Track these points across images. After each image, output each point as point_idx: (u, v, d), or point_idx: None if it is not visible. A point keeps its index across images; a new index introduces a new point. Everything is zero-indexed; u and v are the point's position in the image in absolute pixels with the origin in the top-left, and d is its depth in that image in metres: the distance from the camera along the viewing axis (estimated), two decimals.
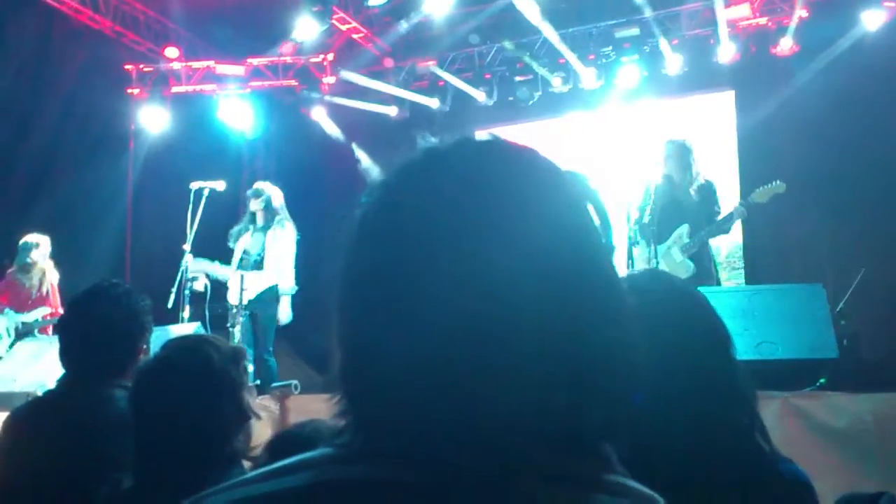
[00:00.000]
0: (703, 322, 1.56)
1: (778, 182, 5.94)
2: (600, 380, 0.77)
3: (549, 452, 0.75)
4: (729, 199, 6.26)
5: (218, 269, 6.60)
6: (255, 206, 6.79)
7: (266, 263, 6.62)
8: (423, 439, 0.74)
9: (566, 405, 0.75)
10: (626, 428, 0.80)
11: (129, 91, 9.91)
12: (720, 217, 5.97)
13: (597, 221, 0.81)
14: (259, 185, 6.95)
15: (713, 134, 8.72)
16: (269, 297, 6.59)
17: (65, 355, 2.64)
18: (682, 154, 6.12)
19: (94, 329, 2.60)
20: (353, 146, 9.77)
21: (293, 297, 6.74)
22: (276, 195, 6.84)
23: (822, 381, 4.07)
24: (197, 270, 6.46)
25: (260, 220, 6.77)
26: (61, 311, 7.09)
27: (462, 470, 0.73)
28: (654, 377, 1.40)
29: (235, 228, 6.91)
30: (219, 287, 6.69)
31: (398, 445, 0.75)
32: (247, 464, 2.08)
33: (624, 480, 0.79)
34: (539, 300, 0.74)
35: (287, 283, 6.69)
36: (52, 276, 7.26)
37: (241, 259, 6.71)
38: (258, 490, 0.78)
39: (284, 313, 6.71)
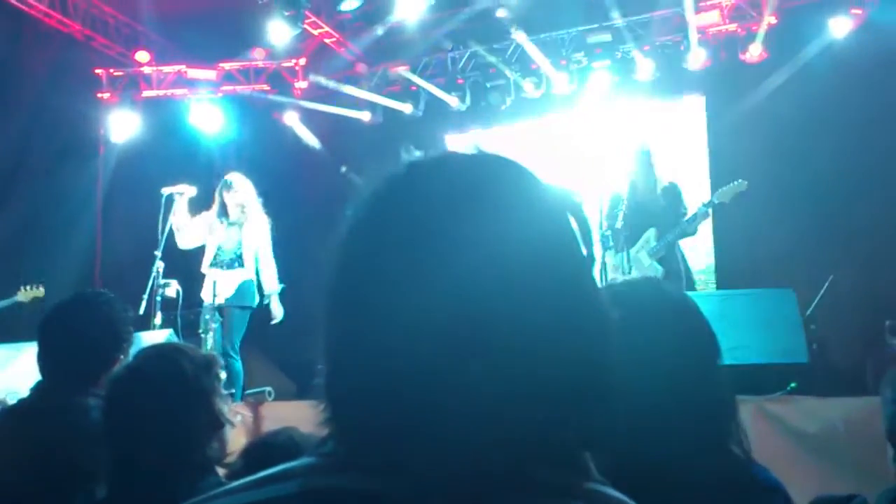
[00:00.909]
0: (698, 330, 1.57)
1: (740, 181, 6.01)
2: (578, 392, 0.78)
3: (526, 463, 0.75)
4: (699, 202, 6.32)
5: None
6: (228, 199, 6.52)
7: (245, 260, 6.44)
8: (403, 450, 0.74)
9: (544, 417, 0.76)
10: (604, 438, 0.81)
11: (100, 95, 9.81)
12: (686, 218, 6.02)
13: (578, 235, 0.82)
14: (230, 176, 6.69)
15: (684, 139, 8.80)
16: (243, 292, 6.40)
17: (42, 361, 2.62)
18: (642, 159, 6.17)
19: (74, 337, 2.59)
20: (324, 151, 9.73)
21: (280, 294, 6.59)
22: (249, 188, 6.61)
23: (792, 385, 4.11)
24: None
25: (233, 215, 6.53)
26: None
27: (441, 482, 0.73)
28: (645, 385, 1.41)
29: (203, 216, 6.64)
30: (191, 293, 6.63)
31: (380, 456, 0.75)
32: (221, 471, 2.07)
33: (602, 489, 0.80)
34: (519, 313, 0.75)
35: (271, 284, 6.51)
36: None
37: (216, 256, 6.52)
38: (242, 500, 0.78)
39: (278, 311, 6.52)
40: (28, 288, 7.22)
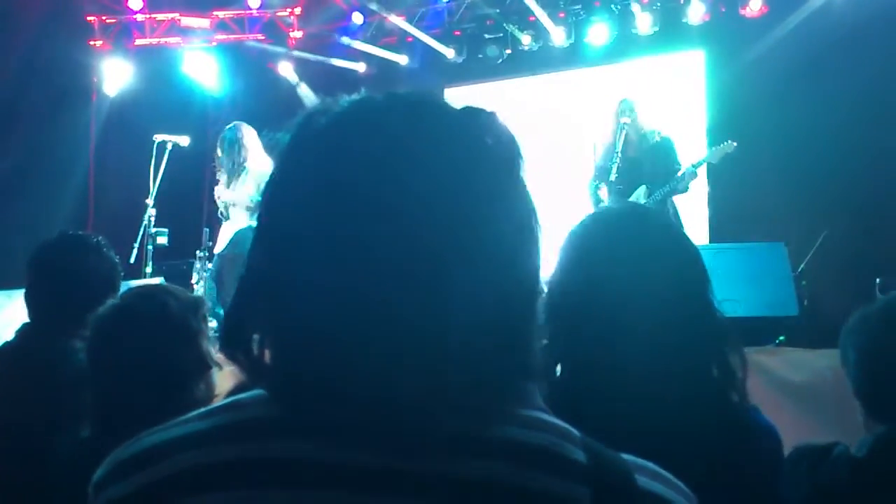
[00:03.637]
0: (681, 254, 1.56)
1: (728, 142, 6.01)
2: (513, 325, 0.80)
3: (464, 393, 0.77)
4: (696, 158, 6.29)
5: None
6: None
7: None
8: (335, 380, 0.77)
9: (481, 350, 0.77)
10: (543, 369, 0.85)
11: (92, 43, 9.70)
12: (676, 175, 6.01)
13: (499, 152, 0.85)
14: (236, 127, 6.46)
15: (683, 94, 8.71)
16: (237, 241, 6.10)
17: (29, 300, 2.61)
18: (635, 114, 6.13)
19: (63, 276, 2.57)
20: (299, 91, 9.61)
21: None
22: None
23: (780, 338, 4.13)
24: None
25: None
26: None
27: (375, 413, 0.76)
28: (637, 319, 1.40)
29: None
30: (183, 242, 6.60)
31: (312, 386, 0.78)
32: None
33: (541, 415, 0.82)
34: (453, 245, 0.77)
35: None
36: None
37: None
38: (189, 429, 0.82)
39: None
40: None
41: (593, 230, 1.58)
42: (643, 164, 6.06)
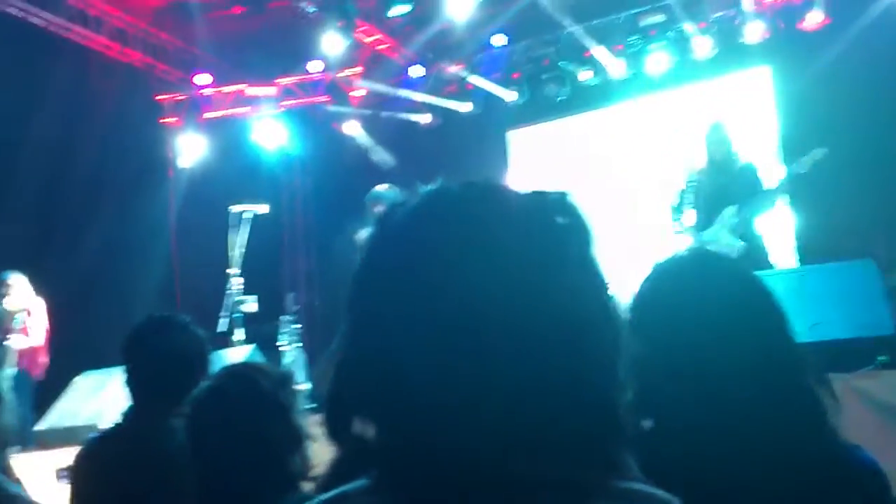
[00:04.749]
0: (754, 302, 1.52)
1: (817, 149, 5.86)
2: (597, 392, 0.82)
3: (566, 470, 0.79)
4: (772, 177, 6.18)
5: None
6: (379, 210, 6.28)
7: None
8: (435, 462, 0.80)
9: (568, 418, 0.80)
10: (627, 435, 0.86)
11: (164, 121, 10.05)
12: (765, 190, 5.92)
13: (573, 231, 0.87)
14: (381, 188, 6.37)
15: (752, 112, 8.58)
16: None
17: (130, 383, 2.69)
18: (721, 138, 6.07)
19: (158, 357, 2.64)
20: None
21: None
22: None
23: (881, 358, 3.96)
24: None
25: None
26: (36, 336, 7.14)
27: (467, 489, 0.78)
28: (707, 364, 1.38)
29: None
30: (266, 307, 6.73)
31: (411, 469, 0.81)
32: (308, 486, 2.10)
33: (633, 485, 0.83)
34: (517, 320, 0.80)
35: None
36: (27, 306, 7.29)
37: None
38: None
39: None
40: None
41: (661, 287, 1.56)
42: (731, 185, 6.00)
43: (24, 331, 7.16)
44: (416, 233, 0.86)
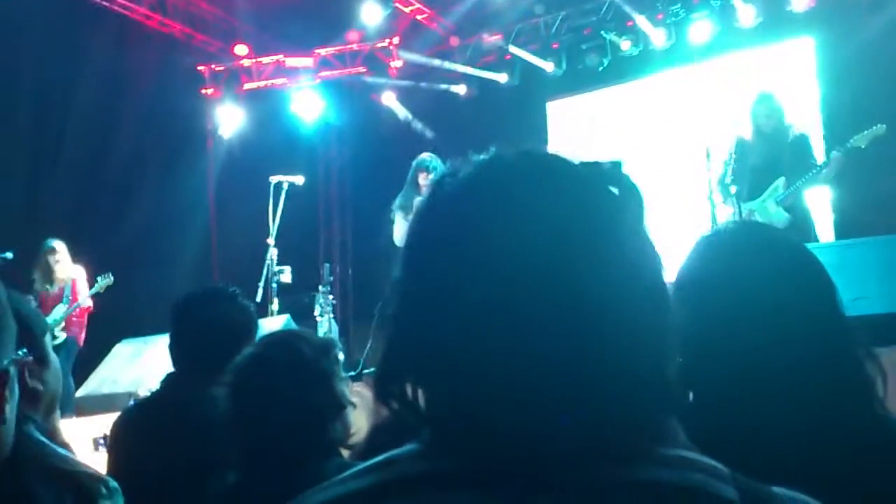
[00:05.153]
0: (806, 273, 1.50)
1: (878, 125, 5.74)
2: (651, 363, 0.82)
3: (614, 437, 0.79)
4: (817, 148, 6.07)
5: None
6: (424, 179, 6.16)
7: None
8: (486, 429, 0.80)
9: (625, 392, 0.80)
10: (676, 405, 0.87)
11: (204, 91, 10.11)
12: (818, 164, 5.81)
13: (626, 203, 0.87)
14: (427, 155, 6.41)
15: (794, 83, 8.42)
16: None
17: (175, 351, 2.72)
18: (771, 109, 5.96)
19: (205, 327, 2.67)
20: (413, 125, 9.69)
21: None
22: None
23: None
24: None
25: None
26: (85, 300, 7.27)
27: (522, 458, 0.79)
28: (755, 336, 1.36)
29: (399, 201, 6.30)
30: (303, 277, 6.77)
31: (465, 436, 0.81)
32: (346, 452, 2.12)
33: (687, 454, 0.82)
34: (590, 293, 0.80)
35: None
36: (73, 274, 7.40)
37: None
38: (351, 487, 0.85)
39: None
40: (100, 279, 7.46)
41: (709, 258, 1.54)
42: (782, 157, 5.89)
43: (75, 297, 7.30)
44: (472, 202, 0.85)
